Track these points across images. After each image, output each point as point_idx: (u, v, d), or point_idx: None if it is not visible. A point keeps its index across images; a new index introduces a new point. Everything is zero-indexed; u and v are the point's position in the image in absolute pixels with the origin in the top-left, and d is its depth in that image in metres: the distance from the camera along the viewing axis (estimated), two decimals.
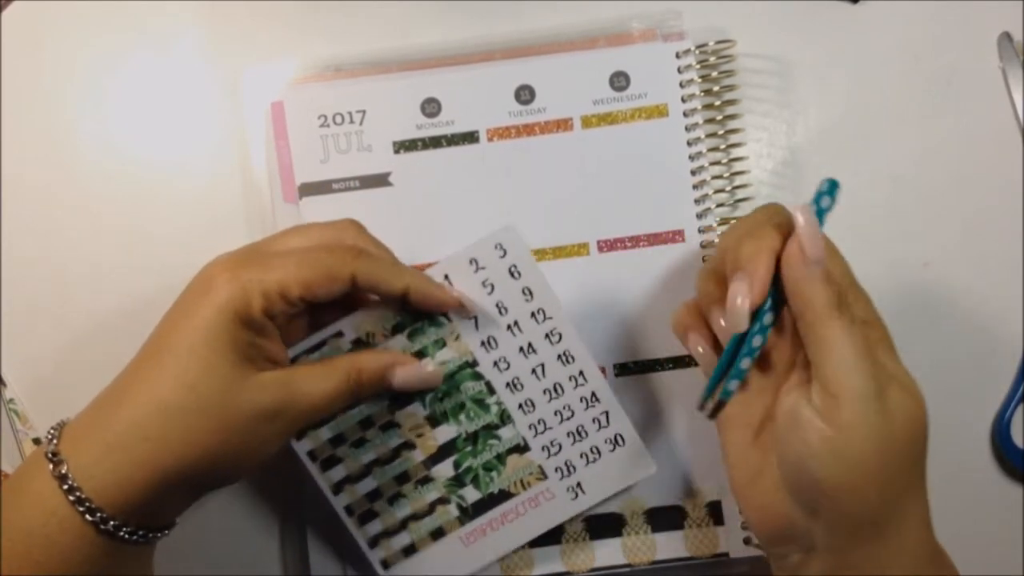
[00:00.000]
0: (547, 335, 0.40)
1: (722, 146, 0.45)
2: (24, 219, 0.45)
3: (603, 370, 0.44)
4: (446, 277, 0.39)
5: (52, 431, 0.35)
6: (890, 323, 0.45)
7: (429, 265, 0.43)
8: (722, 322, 0.34)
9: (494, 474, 0.41)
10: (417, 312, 0.39)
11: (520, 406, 0.40)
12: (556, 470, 0.41)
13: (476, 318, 0.39)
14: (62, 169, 0.46)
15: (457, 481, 0.41)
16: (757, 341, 0.33)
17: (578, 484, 0.41)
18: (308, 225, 0.38)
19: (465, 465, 0.40)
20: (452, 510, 0.41)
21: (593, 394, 0.40)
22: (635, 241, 0.44)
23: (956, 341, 0.45)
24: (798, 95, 0.46)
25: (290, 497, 0.44)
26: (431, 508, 0.41)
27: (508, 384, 0.40)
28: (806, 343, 0.32)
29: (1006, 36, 0.45)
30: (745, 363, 0.34)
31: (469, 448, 0.40)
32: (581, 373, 0.40)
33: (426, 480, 0.41)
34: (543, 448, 0.41)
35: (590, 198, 0.44)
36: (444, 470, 0.40)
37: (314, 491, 0.41)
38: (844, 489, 0.31)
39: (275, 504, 0.45)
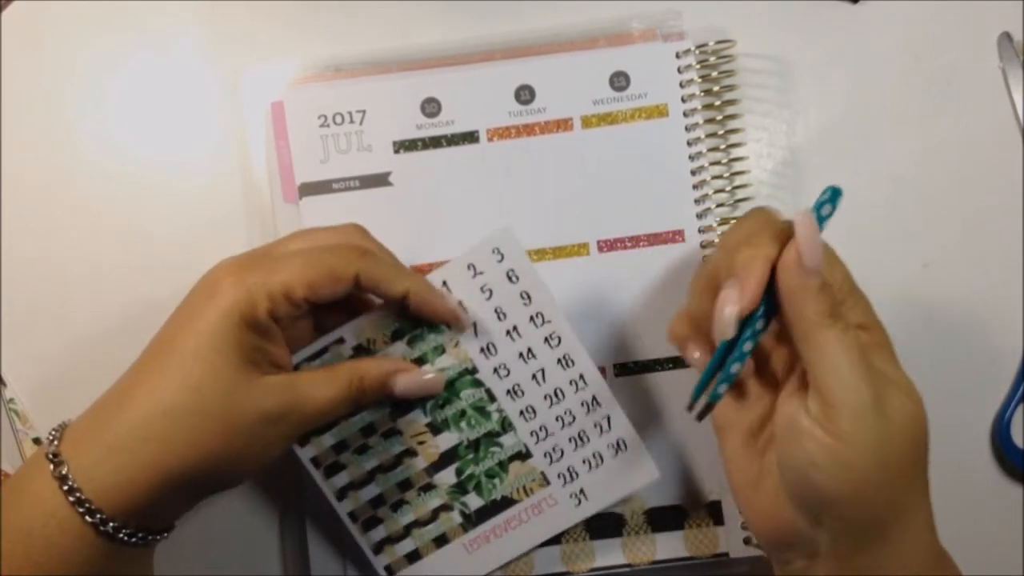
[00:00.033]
0: (546, 339, 0.40)
1: (722, 146, 0.44)
2: (24, 219, 0.45)
3: (603, 370, 0.44)
4: (444, 283, 0.39)
5: (53, 432, 0.35)
6: (890, 324, 0.45)
7: (429, 265, 0.43)
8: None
9: (496, 481, 0.40)
10: (416, 318, 0.39)
11: (521, 413, 0.40)
12: (559, 476, 0.41)
13: (475, 324, 0.39)
14: (62, 169, 0.46)
15: (459, 488, 0.41)
16: (748, 346, 0.33)
17: (581, 490, 0.41)
18: (312, 229, 0.38)
19: (467, 472, 0.40)
20: (455, 517, 0.41)
21: (594, 398, 0.40)
22: (635, 241, 0.44)
23: (956, 341, 0.45)
24: (798, 95, 0.46)
25: (290, 496, 0.44)
26: (434, 515, 0.41)
27: (509, 391, 0.40)
28: (801, 352, 0.32)
29: (1006, 36, 0.45)
30: (735, 368, 0.33)
31: (471, 455, 0.40)
32: (581, 376, 0.40)
33: (428, 487, 0.40)
34: (545, 455, 0.40)
35: (590, 198, 0.44)
36: (446, 477, 0.40)
37: (314, 491, 0.41)
38: (847, 497, 0.31)
39: (275, 503, 0.45)
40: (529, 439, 0.40)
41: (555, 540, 0.43)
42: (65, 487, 0.33)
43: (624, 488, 0.41)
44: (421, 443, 0.40)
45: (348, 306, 0.39)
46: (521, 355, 0.40)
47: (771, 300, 0.33)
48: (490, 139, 0.44)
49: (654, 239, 0.44)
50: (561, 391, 0.40)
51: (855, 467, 0.30)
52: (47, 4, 0.46)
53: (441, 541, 0.41)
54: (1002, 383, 0.45)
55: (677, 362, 0.44)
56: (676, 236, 0.44)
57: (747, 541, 0.43)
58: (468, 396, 0.40)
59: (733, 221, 0.44)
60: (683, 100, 0.44)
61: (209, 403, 0.33)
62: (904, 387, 0.32)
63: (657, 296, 0.44)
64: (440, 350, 0.39)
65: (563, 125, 0.44)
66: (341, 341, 0.39)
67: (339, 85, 0.45)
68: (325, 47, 0.46)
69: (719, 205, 0.44)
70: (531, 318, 0.39)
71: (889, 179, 0.45)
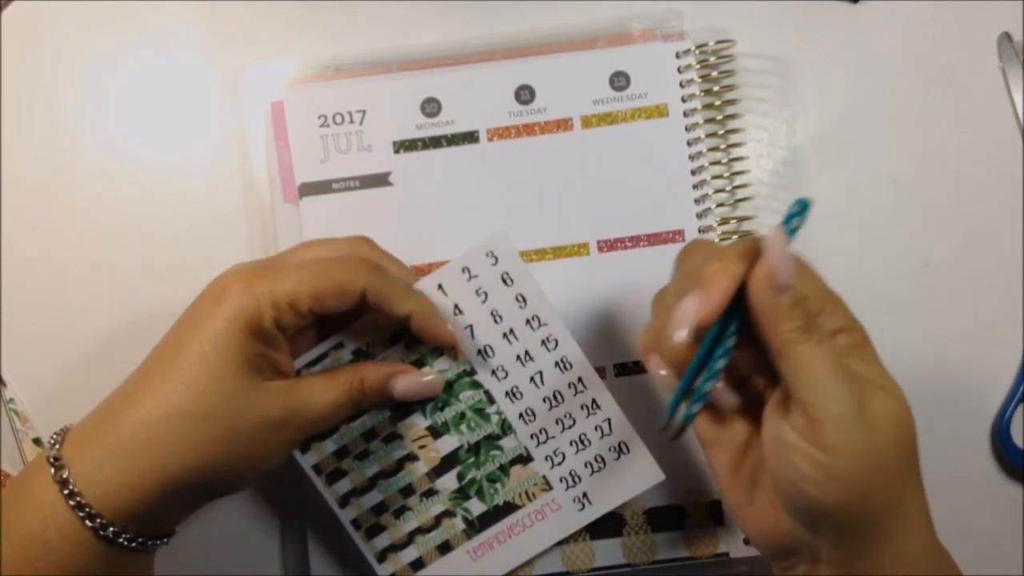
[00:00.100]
0: (543, 342, 0.40)
1: (722, 146, 0.45)
2: (24, 219, 0.45)
3: (603, 370, 0.43)
4: (440, 287, 0.39)
5: (55, 435, 0.35)
6: (890, 323, 0.45)
7: (429, 266, 0.43)
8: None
9: (498, 485, 0.40)
10: None
11: (520, 415, 0.40)
12: (561, 480, 0.40)
13: (471, 326, 0.39)
14: (62, 169, 0.46)
15: (462, 493, 0.40)
16: (720, 364, 0.33)
17: (584, 494, 0.41)
18: (322, 240, 0.38)
19: (469, 477, 0.40)
20: (458, 523, 0.41)
21: (594, 401, 0.40)
22: (635, 241, 0.44)
23: (956, 341, 0.45)
24: (798, 95, 0.46)
25: (290, 498, 0.44)
26: (437, 521, 0.41)
27: (507, 393, 0.40)
28: (778, 367, 0.32)
29: (1006, 36, 0.45)
30: (708, 386, 0.33)
31: (472, 459, 0.40)
32: (580, 380, 0.40)
33: (431, 492, 0.40)
34: (546, 458, 0.40)
35: (590, 198, 0.44)
36: (448, 482, 0.40)
37: (314, 497, 0.41)
38: (840, 506, 0.31)
39: (275, 505, 0.45)
40: (529, 442, 0.40)
41: None
42: (65, 491, 0.33)
43: (628, 491, 0.41)
44: (422, 447, 0.40)
45: (354, 315, 0.39)
46: (519, 357, 0.40)
47: (742, 317, 0.32)
48: (490, 139, 0.44)
49: (654, 239, 0.44)
50: (560, 394, 0.40)
51: (844, 477, 0.30)
52: (47, 4, 0.46)
53: (445, 548, 0.41)
54: (1002, 383, 0.45)
55: None
56: (676, 236, 0.44)
57: (747, 541, 0.43)
58: (467, 398, 0.40)
59: (732, 221, 0.44)
60: (683, 100, 0.44)
61: (213, 408, 0.33)
62: (886, 387, 0.32)
63: None
64: (438, 352, 0.39)
65: (563, 125, 0.44)
66: (340, 345, 0.39)
67: (339, 85, 0.45)
68: (325, 47, 0.46)
69: (719, 205, 0.44)
70: (527, 321, 0.39)
71: (889, 179, 0.45)
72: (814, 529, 0.32)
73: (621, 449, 0.40)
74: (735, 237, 0.44)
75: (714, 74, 0.44)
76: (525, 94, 0.44)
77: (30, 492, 0.33)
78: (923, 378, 0.45)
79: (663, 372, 0.34)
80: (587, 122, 0.44)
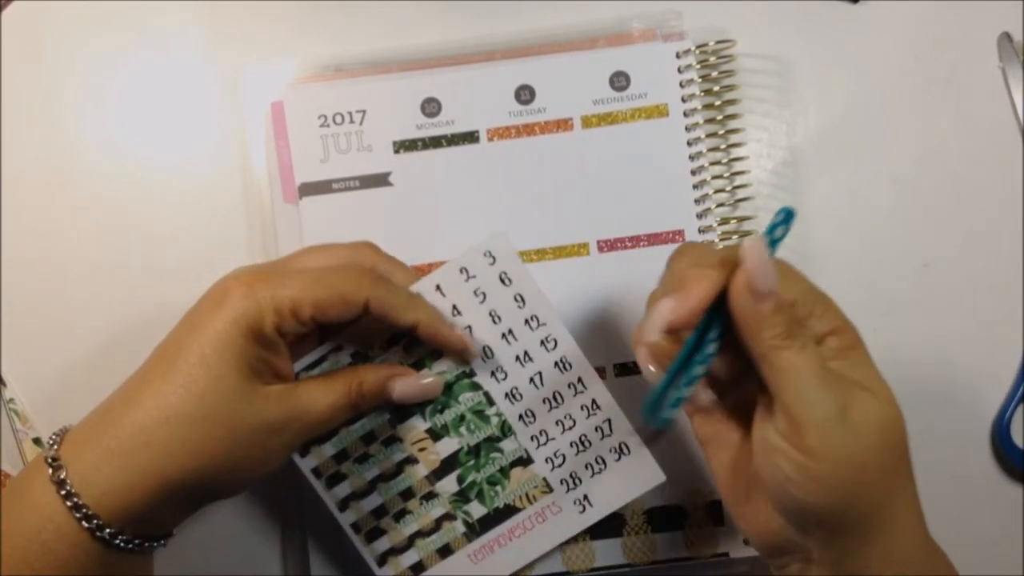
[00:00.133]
0: (542, 342, 0.39)
1: (722, 146, 0.45)
2: (24, 219, 0.45)
3: (604, 370, 0.43)
4: (438, 288, 0.39)
5: (54, 436, 0.35)
6: (889, 323, 0.45)
7: (429, 265, 0.43)
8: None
9: (499, 488, 0.40)
10: None
11: (520, 417, 0.40)
12: (561, 482, 0.40)
13: (470, 327, 0.39)
14: (62, 169, 0.46)
15: (462, 496, 0.40)
16: (700, 370, 0.33)
17: (585, 497, 0.40)
18: (328, 245, 0.38)
19: (469, 479, 0.40)
20: (459, 526, 0.41)
21: (594, 401, 0.40)
22: (635, 241, 0.44)
23: (956, 341, 0.45)
24: (798, 95, 0.46)
25: (290, 502, 0.44)
26: (437, 524, 0.41)
27: (507, 394, 0.40)
28: (761, 372, 0.32)
29: (1006, 36, 0.45)
30: (685, 391, 0.33)
31: (472, 462, 0.40)
32: (580, 380, 0.40)
33: (431, 495, 0.40)
34: (546, 460, 0.40)
35: (590, 198, 0.44)
36: (448, 485, 0.40)
37: (314, 500, 0.40)
38: (825, 509, 0.31)
39: (276, 508, 0.45)
40: (530, 444, 0.40)
41: None
42: (63, 492, 0.33)
43: (629, 493, 0.41)
44: (422, 450, 0.40)
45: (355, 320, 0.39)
46: (518, 358, 0.40)
47: (723, 323, 0.33)
48: (490, 139, 0.44)
49: (654, 239, 0.44)
50: (560, 395, 0.40)
51: (827, 480, 0.30)
52: (47, 4, 0.46)
53: (445, 551, 0.41)
54: (1002, 383, 0.45)
55: None
56: (676, 236, 0.44)
57: (747, 541, 0.43)
58: (467, 400, 0.40)
59: (732, 221, 0.44)
60: (683, 100, 0.44)
61: (211, 411, 0.33)
62: (872, 390, 0.32)
63: None
64: (437, 354, 0.39)
65: (563, 125, 0.44)
66: (339, 348, 0.39)
67: (339, 85, 0.45)
68: (325, 47, 0.46)
69: (719, 205, 0.44)
70: (526, 321, 0.39)
71: (889, 179, 0.45)
72: (803, 529, 0.32)
73: (622, 450, 0.40)
74: (735, 237, 0.44)
75: (714, 74, 0.44)
76: (525, 94, 0.44)
77: (28, 492, 0.33)
78: (923, 378, 0.45)
79: (652, 368, 0.34)
80: (587, 122, 0.44)
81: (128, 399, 0.34)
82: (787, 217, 0.32)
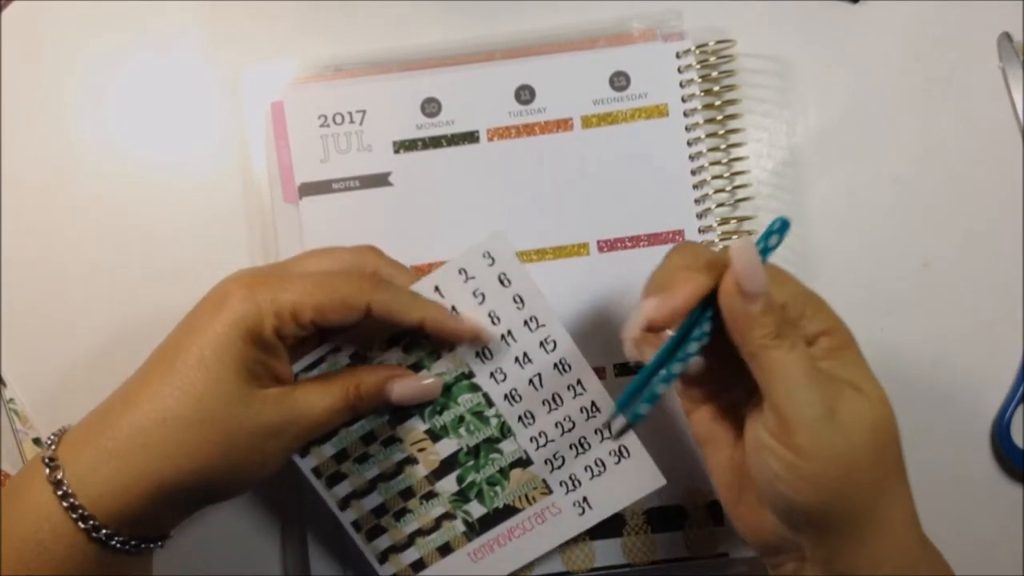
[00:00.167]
0: (541, 343, 0.39)
1: (722, 146, 0.45)
2: (24, 219, 0.45)
3: (604, 370, 0.43)
4: (436, 289, 0.39)
5: (52, 436, 0.35)
6: (889, 323, 0.45)
7: (429, 265, 0.43)
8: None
9: (498, 489, 0.40)
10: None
11: (520, 418, 0.40)
12: (561, 484, 0.40)
13: None
14: (62, 169, 0.46)
15: (462, 496, 0.40)
16: (677, 368, 0.33)
17: (584, 499, 0.40)
18: (329, 248, 0.38)
19: (468, 480, 0.40)
20: (458, 525, 0.41)
21: (593, 404, 0.40)
22: (635, 241, 0.44)
23: (956, 341, 0.45)
24: (798, 95, 0.46)
25: (291, 500, 0.44)
26: (437, 523, 0.41)
27: (506, 396, 0.40)
28: (752, 371, 0.32)
29: (1006, 36, 0.45)
30: (660, 388, 0.33)
31: (471, 462, 0.40)
32: (579, 382, 0.40)
33: (431, 495, 0.40)
34: (546, 462, 0.40)
35: (590, 198, 0.44)
36: (448, 485, 0.40)
37: (314, 498, 0.41)
38: (814, 507, 0.31)
39: (276, 511, 0.45)
40: (529, 445, 0.40)
41: None
42: (59, 492, 0.33)
43: (629, 496, 0.40)
44: (421, 450, 0.40)
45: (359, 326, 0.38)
46: (517, 359, 0.39)
47: (712, 324, 0.33)
48: (490, 139, 0.44)
49: (654, 239, 0.44)
50: (559, 396, 0.40)
51: (815, 479, 0.30)
52: (47, 4, 0.46)
53: (445, 550, 0.41)
54: (1002, 383, 0.45)
55: None
56: (676, 236, 0.44)
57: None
58: (466, 401, 0.40)
59: (732, 221, 0.44)
60: (683, 100, 0.44)
61: (209, 414, 0.33)
62: (863, 390, 0.32)
63: None
64: (435, 355, 0.39)
65: (563, 125, 0.44)
66: (337, 349, 0.39)
67: (339, 85, 0.45)
68: (325, 47, 0.46)
69: (719, 205, 0.44)
70: (525, 322, 0.39)
71: (889, 179, 0.45)
72: (794, 528, 0.32)
73: (621, 453, 0.40)
74: (735, 237, 0.44)
75: (714, 74, 0.44)
76: (525, 94, 0.44)
77: (26, 492, 0.33)
78: (923, 378, 0.45)
79: (635, 354, 0.34)
80: (587, 122, 0.44)
81: (126, 400, 0.34)
82: (782, 227, 0.33)
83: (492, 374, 0.39)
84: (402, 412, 0.40)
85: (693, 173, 0.44)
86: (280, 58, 0.45)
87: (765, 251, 0.32)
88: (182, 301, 0.36)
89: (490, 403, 0.40)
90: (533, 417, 0.40)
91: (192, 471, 0.33)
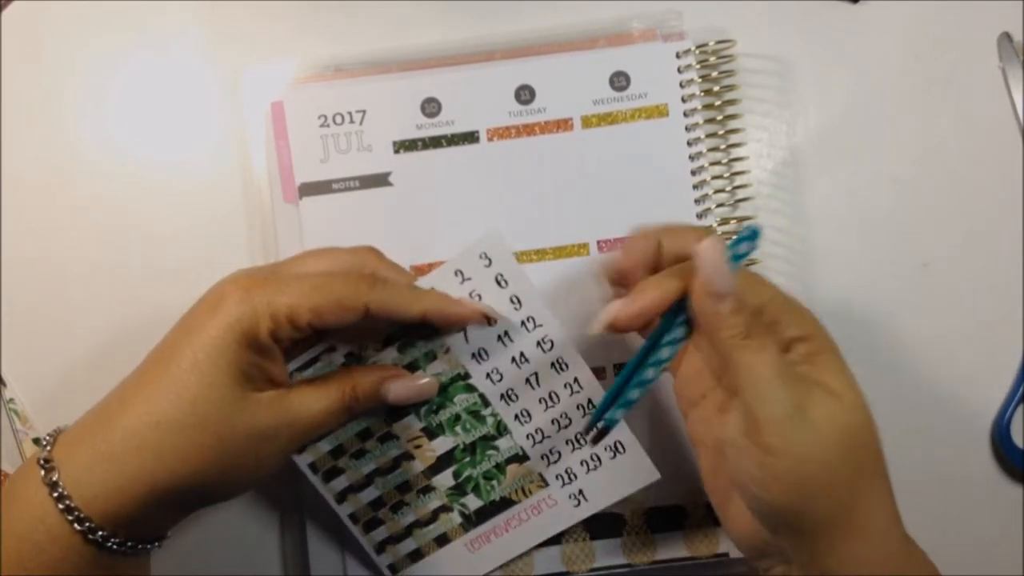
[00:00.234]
0: (539, 343, 0.39)
1: (722, 146, 0.45)
2: (24, 219, 0.45)
3: (603, 370, 0.43)
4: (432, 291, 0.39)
5: (48, 437, 0.35)
6: (889, 324, 0.45)
7: (429, 265, 0.43)
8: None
9: (494, 483, 0.40)
10: (407, 325, 0.38)
11: (516, 417, 0.40)
12: (557, 478, 0.41)
13: (465, 331, 0.39)
14: (62, 169, 0.46)
15: (458, 490, 0.40)
16: (649, 374, 0.33)
17: (580, 492, 0.41)
18: (327, 249, 0.38)
19: (465, 475, 0.40)
20: (455, 517, 0.41)
21: (589, 401, 0.40)
22: None
23: (956, 341, 0.45)
24: (798, 95, 0.46)
25: (289, 497, 0.44)
26: (434, 515, 0.41)
27: (503, 396, 0.40)
28: (726, 371, 0.32)
29: (1006, 36, 0.45)
30: (634, 394, 0.34)
31: (468, 459, 0.40)
32: (576, 380, 0.40)
33: (428, 489, 0.40)
34: (542, 457, 0.40)
35: (590, 198, 0.44)
36: (444, 480, 0.40)
37: (313, 491, 0.41)
38: (785, 507, 0.31)
39: (275, 504, 0.45)
40: (525, 442, 0.40)
41: (555, 540, 0.43)
42: (55, 494, 0.33)
43: (624, 489, 0.41)
44: (418, 447, 0.40)
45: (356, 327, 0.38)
46: (514, 360, 0.39)
47: (676, 330, 0.33)
48: (490, 139, 0.44)
49: None
50: (556, 394, 0.40)
51: (787, 478, 0.31)
52: (47, 4, 0.46)
53: (442, 540, 0.41)
54: (1002, 383, 0.45)
55: None
56: None
57: None
58: (461, 401, 0.40)
59: (732, 221, 0.44)
60: (683, 100, 0.44)
61: (202, 418, 0.33)
62: (838, 392, 0.32)
63: None
64: (431, 356, 0.39)
65: (563, 125, 0.44)
66: (332, 349, 0.38)
67: (339, 85, 0.45)
68: (325, 47, 0.46)
69: (719, 205, 0.44)
70: (523, 323, 0.39)
71: (889, 179, 0.45)
72: (772, 529, 0.33)
73: (617, 449, 0.40)
74: (735, 237, 0.44)
75: (714, 74, 0.44)
76: (525, 94, 0.44)
77: (23, 492, 0.33)
78: (923, 378, 0.45)
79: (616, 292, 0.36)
80: (587, 122, 0.44)
81: (122, 402, 0.34)
82: (752, 235, 0.33)
83: (488, 374, 0.39)
84: (398, 410, 0.40)
85: (693, 173, 0.44)
86: (280, 58, 0.45)
87: (736, 257, 0.33)
88: (182, 301, 0.36)
89: (486, 403, 0.40)
90: (529, 415, 0.40)
91: (186, 475, 0.33)
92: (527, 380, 0.40)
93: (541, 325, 0.39)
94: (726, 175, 0.44)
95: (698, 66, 0.44)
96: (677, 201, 0.44)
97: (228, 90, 0.45)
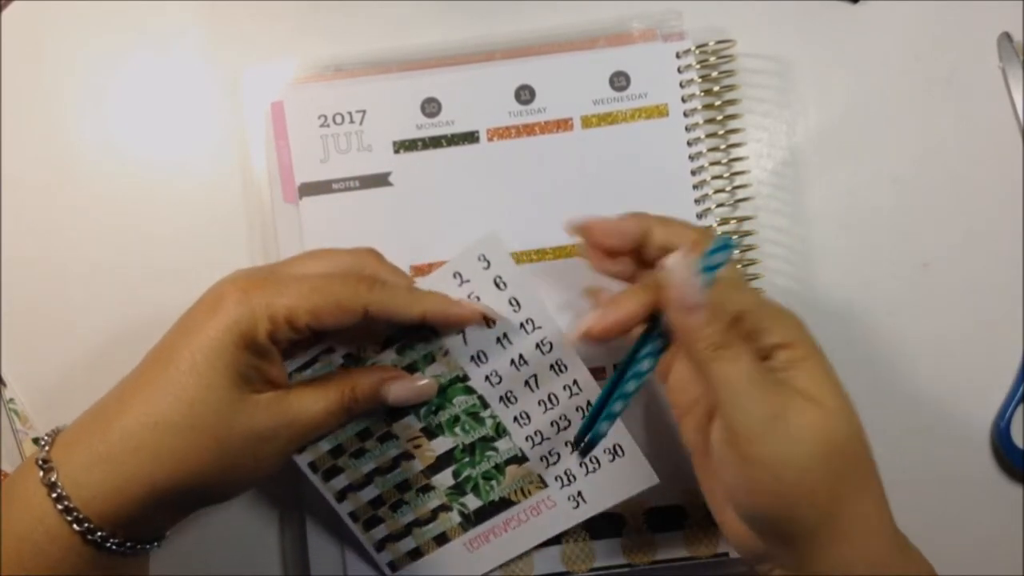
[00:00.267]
0: (538, 345, 0.39)
1: (722, 146, 0.44)
2: (24, 219, 0.45)
3: (603, 370, 0.43)
4: None
5: (46, 437, 0.35)
6: (889, 324, 0.45)
7: (429, 265, 0.43)
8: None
9: (494, 483, 0.40)
10: (407, 327, 0.38)
11: (515, 419, 0.40)
12: (556, 479, 0.41)
13: (463, 333, 0.39)
14: (62, 169, 0.46)
15: (458, 489, 0.41)
16: (631, 386, 0.34)
17: (579, 493, 0.41)
18: (326, 250, 0.38)
19: (464, 475, 0.40)
20: (454, 517, 0.41)
21: (588, 403, 0.40)
22: None
23: (956, 341, 0.45)
24: (798, 95, 0.46)
25: (289, 495, 0.44)
26: (434, 514, 0.41)
27: (502, 398, 0.40)
28: (703, 381, 0.32)
29: (1006, 36, 0.45)
30: (617, 406, 0.34)
31: (467, 459, 0.40)
32: (575, 382, 0.40)
33: (427, 488, 0.40)
34: (541, 458, 0.40)
35: (590, 198, 0.44)
36: (444, 479, 0.40)
37: (313, 490, 0.41)
38: (771, 515, 0.31)
39: (274, 502, 0.45)
40: (524, 444, 0.40)
41: (555, 540, 0.43)
42: (54, 494, 0.33)
43: (623, 492, 0.41)
44: (417, 447, 0.40)
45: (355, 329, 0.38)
46: (513, 362, 0.39)
47: (654, 341, 0.34)
48: (490, 139, 0.44)
49: None
50: (555, 397, 0.40)
51: (768, 487, 0.31)
52: (47, 4, 0.46)
53: (442, 540, 0.41)
54: (1002, 383, 0.45)
55: None
56: None
57: None
58: (460, 403, 0.40)
59: (732, 221, 0.44)
60: (683, 100, 0.44)
61: (200, 420, 0.33)
62: (820, 399, 0.31)
63: None
64: (430, 358, 0.39)
65: (563, 125, 0.44)
66: (331, 350, 0.38)
67: (339, 85, 0.45)
68: (325, 47, 0.46)
69: (719, 205, 0.44)
70: (521, 325, 0.39)
71: (889, 179, 0.45)
72: (761, 535, 0.33)
73: (616, 452, 0.40)
74: (735, 237, 0.44)
75: (714, 74, 0.44)
76: (525, 94, 0.44)
77: (22, 493, 0.33)
78: (923, 378, 0.45)
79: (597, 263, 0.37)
80: (587, 122, 0.44)
81: (120, 403, 0.34)
82: (724, 246, 0.33)
83: (487, 376, 0.39)
84: (398, 410, 0.40)
85: (693, 173, 0.44)
86: (280, 58, 0.45)
87: (710, 268, 0.33)
88: (182, 301, 0.36)
89: (485, 405, 0.40)
90: (529, 417, 0.40)
91: (184, 476, 0.33)
92: (526, 382, 0.39)
93: (540, 327, 0.39)
94: (726, 175, 0.44)
95: (698, 66, 0.44)
96: (677, 201, 0.44)
97: (228, 90, 0.45)
